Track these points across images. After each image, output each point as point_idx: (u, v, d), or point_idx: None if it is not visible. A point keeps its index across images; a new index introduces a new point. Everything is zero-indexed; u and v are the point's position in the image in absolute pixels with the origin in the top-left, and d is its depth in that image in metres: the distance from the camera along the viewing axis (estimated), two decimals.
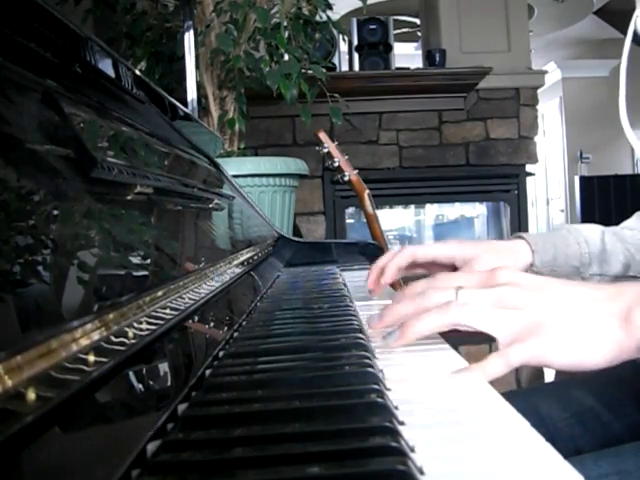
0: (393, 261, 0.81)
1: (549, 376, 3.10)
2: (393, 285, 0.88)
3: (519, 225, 3.46)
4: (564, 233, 0.83)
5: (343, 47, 3.54)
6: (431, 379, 0.48)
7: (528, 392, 0.95)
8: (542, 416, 0.80)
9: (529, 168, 3.48)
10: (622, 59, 0.93)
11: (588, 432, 0.80)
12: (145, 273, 0.52)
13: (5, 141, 0.36)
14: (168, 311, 0.47)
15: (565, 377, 0.94)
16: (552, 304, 0.50)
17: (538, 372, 3.06)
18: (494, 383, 0.46)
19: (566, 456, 0.32)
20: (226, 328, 0.62)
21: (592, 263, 0.81)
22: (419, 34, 4.43)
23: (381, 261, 0.82)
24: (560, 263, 0.80)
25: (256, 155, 3.03)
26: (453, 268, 0.79)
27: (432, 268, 0.81)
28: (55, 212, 0.39)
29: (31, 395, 0.26)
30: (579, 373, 0.50)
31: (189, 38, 1.48)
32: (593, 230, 0.84)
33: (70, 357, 0.30)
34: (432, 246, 0.81)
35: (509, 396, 0.44)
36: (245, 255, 0.91)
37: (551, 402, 0.83)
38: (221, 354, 0.53)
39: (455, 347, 0.57)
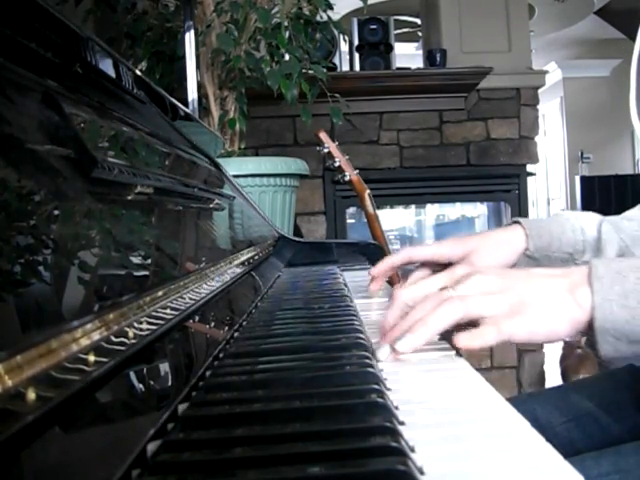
0: (388, 258, 0.81)
1: (549, 376, 3.10)
2: (391, 282, 0.88)
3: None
4: (562, 220, 0.83)
5: (344, 47, 3.54)
6: (431, 379, 0.48)
7: (526, 398, 0.95)
8: (541, 421, 0.80)
9: (530, 168, 3.47)
10: (633, 55, 0.92)
11: (587, 436, 0.80)
12: (145, 273, 0.52)
13: (6, 141, 0.36)
14: (168, 311, 0.47)
15: (565, 382, 0.94)
16: (520, 284, 0.55)
17: (539, 374, 3.06)
18: (496, 386, 0.46)
19: (566, 459, 0.32)
20: (227, 328, 0.62)
21: (586, 251, 0.81)
22: (420, 34, 4.43)
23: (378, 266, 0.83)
24: (554, 249, 0.81)
25: (257, 155, 3.02)
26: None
27: (430, 267, 0.81)
28: (56, 212, 0.39)
29: (31, 395, 0.26)
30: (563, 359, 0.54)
31: (190, 38, 1.48)
32: (591, 218, 0.84)
33: (70, 357, 0.30)
34: (428, 246, 0.81)
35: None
36: (246, 255, 0.91)
37: (550, 407, 0.83)
38: (221, 354, 0.53)
39: (457, 351, 0.57)
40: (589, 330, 0.54)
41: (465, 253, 0.77)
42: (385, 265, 0.81)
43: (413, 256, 0.80)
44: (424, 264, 0.80)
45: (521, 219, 0.84)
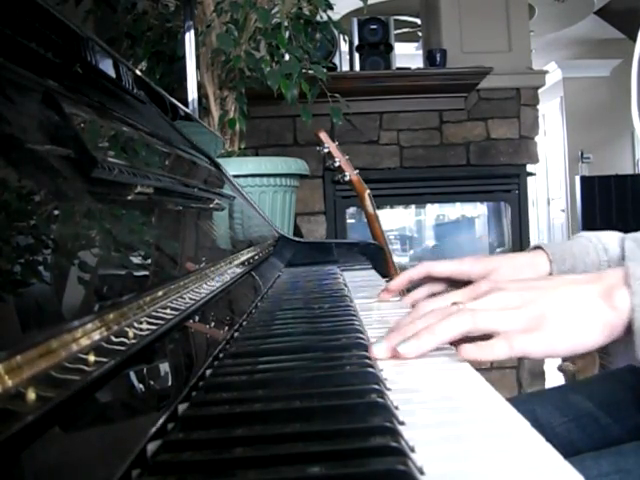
0: (407, 272, 0.81)
1: (549, 377, 3.10)
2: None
3: (520, 225, 3.45)
4: (583, 241, 0.83)
5: (344, 47, 3.54)
6: (431, 379, 0.48)
7: (526, 398, 0.94)
8: (541, 421, 0.80)
9: (530, 168, 3.48)
10: (634, 57, 0.92)
11: (587, 436, 0.80)
12: (146, 273, 0.52)
13: (6, 141, 0.36)
14: (168, 311, 0.47)
15: (565, 383, 0.94)
16: (544, 297, 0.54)
17: (539, 375, 3.07)
18: (496, 386, 0.46)
19: (566, 459, 0.32)
20: (227, 328, 0.62)
21: None
22: (420, 34, 4.43)
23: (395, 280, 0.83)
24: (579, 272, 0.79)
25: (257, 155, 3.02)
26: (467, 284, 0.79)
27: (447, 284, 0.81)
28: (56, 212, 0.39)
29: (31, 395, 0.26)
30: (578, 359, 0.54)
31: (190, 38, 1.48)
32: (612, 237, 0.83)
33: (70, 357, 0.30)
34: (449, 262, 0.80)
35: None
36: (246, 255, 0.91)
37: (549, 407, 0.83)
38: (222, 354, 0.53)
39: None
40: (626, 334, 0.52)
41: (486, 272, 0.77)
42: (403, 279, 0.81)
43: (432, 271, 0.79)
44: (440, 279, 0.80)
45: (542, 244, 0.83)
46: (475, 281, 0.77)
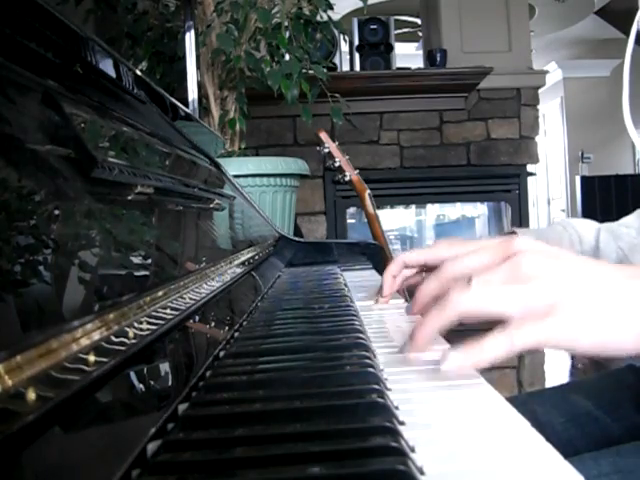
0: (387, 272, 0.80)
1: (549, 376, 3.10)
2: (398, 290, 0.88)
3: (520, 225, 3.45)
4: (559, 229, 0.83)
5: (344, 47, 3.54)
6: (431, 379, 0.48)
7: (526, 398, 0.94)
8: (541, 421, 0.80)
9: (530, 168, 3.48)
10: (625, 60, 0.93)
11: (587, 436, 0.80)
12: (146, 273, 0.52)
13: (6, 141, 0.36)
14: (169, 311, 0.47)
15: (564, 383, 0.95)
16: (570, 276, 0.45)
17: (539, 374, 3.06)
18: (496, 386, 0.46)
19: (565, 459, 0.32)
20: (227, 328, 0.62)
21: None
22: (420, 34, 4.43)
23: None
24: None
25: (257, 155, 3.02)
26: None
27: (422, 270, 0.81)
28: (56, 212, 0.39)
29: (31, 395, 0.26)
30: (601, 360, 0.48)
31: (190, 38, 1.48)
32: (589, 227, 0.83)
33: (70, 357, 0.30)
34: (421, 250, 0.80)
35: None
36: (246, 255, 0.91)
37: (549, 407, 0.83)
38: (222, 354, 0.53)
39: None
40: None
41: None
42: (388, 280, 0.80)
43: (407, 262, 0.79)
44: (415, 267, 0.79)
45: (517, 229, 0.83)
46: None
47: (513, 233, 0.83)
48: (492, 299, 0.45)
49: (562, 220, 0.85)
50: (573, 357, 2.83)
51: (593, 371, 2.64)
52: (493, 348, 0.44)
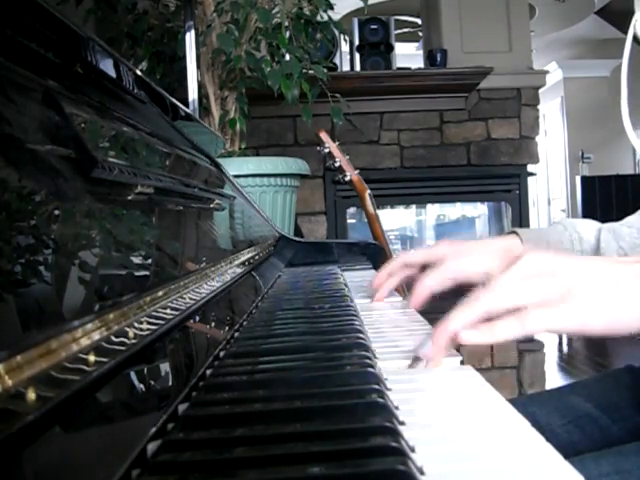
0: (385, 268, 0.81)
1: (549, 377, 3.10)
2: (398, 290, 0.88)
3: (520, 225, 3.45)
4: (560, 229, 0.83)
5: (344, 47, 3.54)
6: (431, 379, 0.48)
7: (525, 400, 0.94)
8: (540, 423, 0.80)
9: (530, 168, 3.47)
10: (623, 61, 0.93)
11: (587, 437, 0.80)
12: (146, 273, 0.52)
13: (6, 141, 0.36)
14: (169, 311, 0.47)
15: (564, 385, 0.94)
16: (579, 268, 0.49)
17: (539, 375, 3.06)
18: (496, 386, 0.46)
19: (566, 460, 0.32)
20: (227, 328, 0.62)
21: None
22: (420, 34, 4.43)
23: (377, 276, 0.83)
24: None
25: (257, 155, 3.02)
26: None
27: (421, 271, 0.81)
28: (56, 212, 0.39)
29: (31, 395, 0.26)
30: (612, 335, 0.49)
31: (190, 38, 1.48)
32: (590, 226, 0.83)
33: (70, 357, 0.30)
34: (422, 251, 0.80)
35: None
36: (246, 255, 0.91)
37: (549, 409, 0.83)
38: (222, 354, 0.53)
39: (457, 349, 0.56)
40: None
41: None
42: (381, 277, 0.81)
43: (408, 261, 0.79)
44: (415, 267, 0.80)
45: (518, 229, 0.83)
46: None
47: (513, 233, 0.83)
48: (512, 294, 0.49)
49: (563, 220, 0.84)
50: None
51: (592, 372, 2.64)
52: (504, 329, 0.48)
